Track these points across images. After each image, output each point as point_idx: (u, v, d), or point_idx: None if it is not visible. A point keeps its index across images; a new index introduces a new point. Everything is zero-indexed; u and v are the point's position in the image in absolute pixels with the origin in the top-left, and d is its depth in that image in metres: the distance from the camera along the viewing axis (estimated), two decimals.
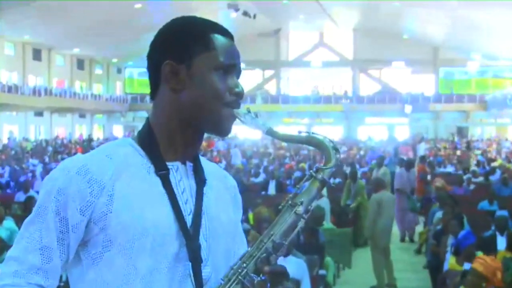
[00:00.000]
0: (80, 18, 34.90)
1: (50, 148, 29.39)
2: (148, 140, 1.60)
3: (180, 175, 1.60)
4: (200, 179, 1.63)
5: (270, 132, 1.59)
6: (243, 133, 32.95)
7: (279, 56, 53.29)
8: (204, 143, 31.05)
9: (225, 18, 41.70)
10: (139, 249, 1.49)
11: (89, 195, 1.49)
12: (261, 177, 16.77)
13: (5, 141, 35.25)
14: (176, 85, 1.57)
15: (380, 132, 45.55)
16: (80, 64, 48.79)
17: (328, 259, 8.24)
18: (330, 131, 46.35)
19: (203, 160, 1.69)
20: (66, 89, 43.73)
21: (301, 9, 42.38)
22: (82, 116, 47.45)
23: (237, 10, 37.63)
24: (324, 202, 10.14)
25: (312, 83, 52.06)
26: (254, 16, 38.74)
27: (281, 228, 1.54)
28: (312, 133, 1.58)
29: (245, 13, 38.41)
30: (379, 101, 47.70)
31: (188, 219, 1.56)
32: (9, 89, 37.53)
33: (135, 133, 1.67)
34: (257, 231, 6.54)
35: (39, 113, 42.72)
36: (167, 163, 1.58)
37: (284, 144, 25.15)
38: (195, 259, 1.53)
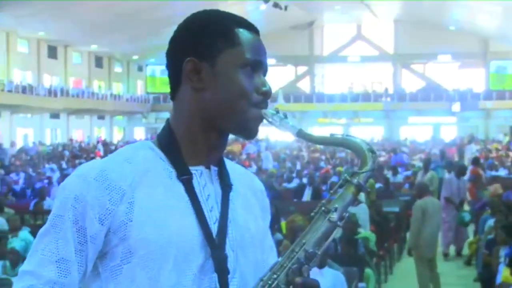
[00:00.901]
0: (98, 11, 35.24)
1: (67, 153, 29.69)
2: (169, 143, 1.60)
3: (205, 180, 1.60)
4: (225, 184, 1.63)
5: (301, 134, 1.59)
6: (275, 135, 32.94)
7: (313, 51, 53.15)
8: (235, 146, 31.15)
9: (254, 11, 41.77)
10: (161, 261, 1.49)
11: (108, 202, 1.49)
12: (295, 182, 16.75)
13: (19, 145, 35.69)
14: (198, 84, 1.58)
15: (425, 132, 45.20)
16: (99, 61, 49.23)
17: (368, 271, 8.21)
18: (370, 132, 46.12)
19: (228, 163, 1.70)
20: (83, 89, 44.14)
21: None
22: (101, 117, 47.84)
23: (267, 1, 37.59)
24: (363, 209, 10.10)
25: (349, 79, 51.81)
26: (286, 8, 38.67)
27: (314, 236, 1.54)
28: (346, 134, 1.58)
29: (276, 5, 38.36)
30: (423, 98, 47.28)
31: (214, 228, 1.56)
32: (23, 90, 38.01)
33: None
34: (290, 241, 6.54)
35: (55, 115, 43.17)
36: (190, 168, 1.59)
37: (319, 146, 25.06)
38: (222, 271, 1.54)
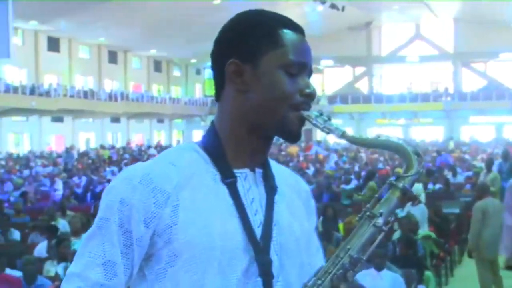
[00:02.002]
0: (156, 17, 35.72)
1: (127, 156, 30.15)
2: (213, 146, 1.60)
3: (249, 183, 1.59)
4: (270, 187, 1.61)
5: (344, 136, 1.57)
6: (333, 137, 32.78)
7: (371, 51, 52.79)
8: (292, 148, 31.13)
9: (311, 12, 41.71)
10: (206, 265, 1.49)
11: (153, 205, 1.50)
12: (353, 184, 16.65)
13: (82, 149, 36.43)
14: (241, 86, 1.57)
15: (487, 132, 44.37)
16: (157, 66, 49.90)
17: (428, 273, 8.09)
18: (430, 132, 45.49)
19: (273, 164, 1.68)
20: (143, 94, 44.77)
21: None
22: (160, 121, 48.48)
23: (324, 2, 37.49)
24: (421, 209, 9.97)
25: (407, 80, 51.24)
26: (343, 9, 38.51)
27: (359, 242, 1.52)
28: (391, 136, 1.56)
29: (333, 6, 38.23)
30: (485, 98, 46.43)
31: (258, 232, 1.55)
32: (85, 95, 38.78)
33: None
34: None
35: (115, 119, 43.93)
36: (235, 171, 1.58)
37: None
38: (266, 275, 1.53)
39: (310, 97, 1.58)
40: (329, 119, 1.57)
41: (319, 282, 1.51)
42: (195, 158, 1.59)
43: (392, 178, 1.55)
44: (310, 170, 21.30)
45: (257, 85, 1.56)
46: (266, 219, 1.57)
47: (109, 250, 1.51)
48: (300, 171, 20.72)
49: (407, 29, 52.59)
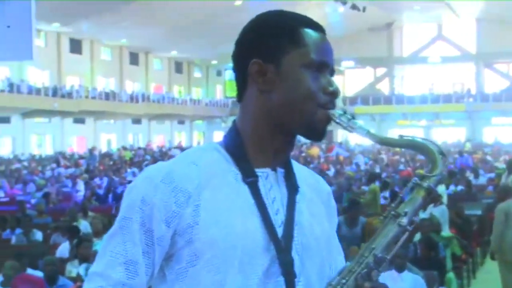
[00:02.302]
0: (176, 18, 35.86)
1: (148, 157, 30.28)
2: (235, 145, 1.60)
3: (270, 183, 1.59)
4: (292, 187, 1.61)
5: (369, 135, 1.56)
6: (356, 138, 32.74)
7: (392, 52, 52.61)
8: (314, 150, 31.08)
9: (332, 13, 41.67)
10: (227, 265, 1.49)
11: (174, 205, 1.50)
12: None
13: (103, 150, 36.65)
14: (264, 86, 1.57)
15: (510, 133, 44.02)
16: (178, 67, 50.09)
17: (449, 275, 8.04)
18: (451, 133, 45.22)
19: (294, 165, 1.68)
20: (164, 95, 44.96)
21: None
22: (181, 122, 48.65)
23: (345, 3, 37.43)
24: (442, 210, 9.90)
25: (429, 80, 50.98)
26: (364, 9, 38.41)
27: (383, 241, 1.52)
28: (415, 137, 1.55)
29: (354, 6, 38.16)
30: (508, 98, 46.08)
31: (279, 231, 1.55)
32: (106, 96, 39.02)
33: None
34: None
35: (137, 121, 44.15)
36: (256, 170, 1.58)
37: (399, 149, 24.84)
38: (288, 274, 1.52)
39: (333, 95, 1.58)
40: (353, 117, 1.57)
41: (343, 281, 1.51)
42: (217, 157, 1.59)
43: (415, 179, 1.55)
44: (331, 171, 21.27)
45: (280, 85, 1.56)
46: (287, 218, 1.57)
47: (131, 249, 1.51)
48: (320, 172, 20.72)
49: (429, 29, 52.34)
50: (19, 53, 4.14)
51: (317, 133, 1.58)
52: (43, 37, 38.07)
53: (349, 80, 54.73)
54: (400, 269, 6.46)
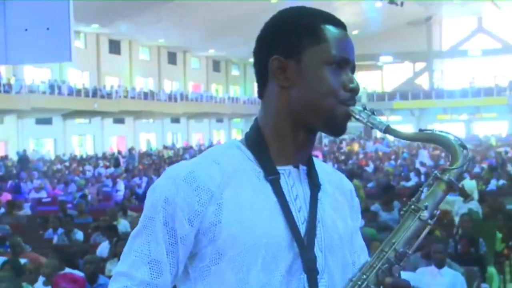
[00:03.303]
0: (214, 17, 35.96)
1: (187, 156, 30.47)
2: (256, 143, 1.60)
3: (293, 180, 1.59)
4: (314, 184, 1.61)
5: (388, 130, 1.56)
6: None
7: (431, 46, 52.07)
8: (354, 145, 30.90)
9: (369, 8, 41.41)
10: (250, 262, 1.50)
11: (197, 204, 1.51)
12: (413, 181, 16.46)
13: (143, 150, 36.97)
14: (284, 82, 1.57)
15: None
16: (216, 65, 50.24)
17: (491, 270, 7.94)
18: (493, 127, 44.58)
19: (317, 162, 1.68)
20: (202, 93, 45.14)
21: None
22: (219, 121, 48.79)
23: None
24: (474, 206, 9.80)
25: (469, 74, 50.31)
26: (402, 4, 38.04)
27: (404, 235, 1.51)
28: (435, 130, 1.54)
29: (392, 1, 37.85)
30: None
31: (302, 228, 1.55)
32: (145, 96, 39.32)
33: None
34: None
35: (175, 120, 44.39)
36: (278, 167, 1.58)
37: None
38: (311, 271, 1.53)
39: (354, 91, 1.58)
40: (373, 113, 1.57)
41: (364, 276, 1.51)
42: (238, 155, 1.60)
43: (435, 172, 1.54)
44: (370, 168, 21.14)
45: (301, 81, 1.56)
46: (310, 216, 1.57)
47: (154, 248, 1.53)
48: (359, 168, 20.60)
49: (469, 22, 51.67)
50: (58, 55, 4.20)
51: (337, 129, 1.58)
52: (83, 39, 38.54)
53: (387, 75, 54.32)
54: (439, 265, 6.41)
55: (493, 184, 15.29)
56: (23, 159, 28.01)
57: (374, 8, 41.02)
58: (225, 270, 1.51)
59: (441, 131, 1.54)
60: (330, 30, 1.58)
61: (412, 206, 1.53)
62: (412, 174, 17.56)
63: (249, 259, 1.50)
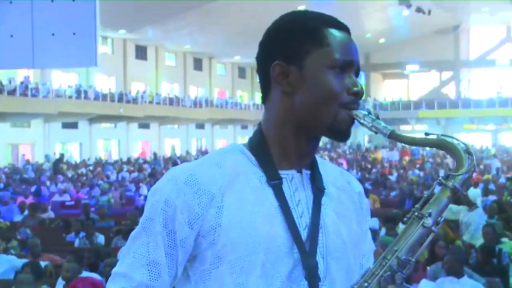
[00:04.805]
0: (239, 23, 36.07)
1: None
2: (259, 147, 1.59)
3: (296, 185, 1.58)
4: (317, 189, 1.59)
5: (393, 135, 1.53)
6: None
7: (459, 55, 51.70)
8: (378, 154, 30.70)
9: (396, 16, 41.23)
10: (249, 267, 1.48)
11: (197, 206, 1.50)
12: (437, 190, 16.32)
13: (167, 155, 37.13)
14: (287, 87, 1.56)
15: None
16: (242, 72, 50.36)
17: None
18: None
19: (323, 164, 1.66)
20: (227, 100, 45.26)
21: (485, 0, 40.84)
22: (244, 127, 48.86)
23: (409, 6, 37.06)
24: (479, 214, 9.69)
25: (497, 84, 49.85)
26: (429, 12, 37.97)
27: (407, 243, 1.49)
28: (442, 135, 1.52)
29: (419, 9, 37.77)
30: None
31: (304, 234, 1.53)
32: (170, 102, 39.50)
33: None
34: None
35: (200, 126, 44.54)
36: (281, 172, 1.56)
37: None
38: (312, 278, 1.50)
39: (357, 95, 1.55)
40: (377, 117, 1.54)
41: (366, 284, 1.49)
42: (241, 159, 1.58)
43: (440, 178, 1.53)
44: (393, 176, 21.02)
45: (304, 86, 1.54)
46: (312, 221, 1.55)
47: (154, 250, 1.52)
48: (382, 177, 20.50)
49: (498, 32, 51.24)
50: (84, 60, 4.24)
51: (341, 134, 1.56)
52: (110, 44, 38.84)
53: (413, 83, 54.01)
54: (457, 275, 6.34)
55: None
56: (58, 163, 28.28)
57: (401, 16, 40.86)
58: (225, 275, 1.49)
59: (447, 136, 1.52)
60: (333, 33, 1.56)
61: (416, 213, 1.50)
62: (435, 183, 17.41)
63: (249, 264, 1.48)
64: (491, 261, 7.71)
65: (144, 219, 1.55)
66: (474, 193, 12.18)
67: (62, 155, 31.16)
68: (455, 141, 1.51)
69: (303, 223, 1.55)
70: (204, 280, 1.52)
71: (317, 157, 1.67)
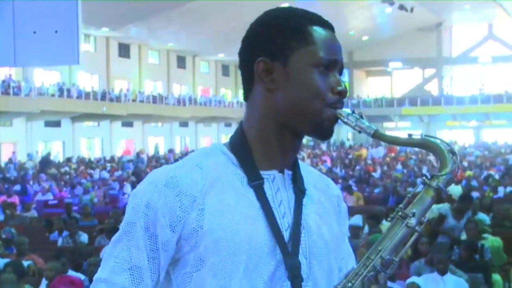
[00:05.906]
0: (223, 21, 36.04)
1: None
2: (240, 147, 1.57)
3: (277, 185, 1.56)
4: (299, 190, 1.58)
5: (376, 135, 1.52)
6: None
7: (441, 53, 51.97)
8: (363, 151, 30.79)
9: (379, 14, 41.38)
10: (232, 269, 1.47)
11: (178, 209, 1.48)
12: (421, 188, 16.39)
13: (151, 154, 37.02)
14: (270, 84, 1.53)
15: None
16: (225, 70, 50.32)
17: (496, 276, 7.87)
18: (503, 134, 44.48)
19: (303, 167, 1.64)
20: (211, 98, 45.22)
21: None
22: (227, 125, 48.84)
23: (392, 4, 37.16)
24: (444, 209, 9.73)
25: (479, 81, 50.19)
26: (412, 10, 38.11)
27: (391, 243, 1.48)
28: (425, 135, 1.51)
29: (401, 7, 37.89)
30: None
31: (286, 235, 1.52)
32: (154, 100, 39.40)
33: None
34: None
35: (184, 124, 44.46)
36: (263, 172, 1.54)
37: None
38: (295, 278, 1.49)
39: (341, 94, 1.54)
40: (361, 116, 1.53)
41: (350, 284, 1.48)
42: (222, 160, 1.56)
43: (423, 178, 1.52)
44: (377, 173, 21.08)
45: (287, 84, 1.52)
46: (294, 221, 1.54)
47: (135, 254, 1.50)
48: (365, 174, 20.55)
49: (479, 29, 51.56)
50: (66, 58, 4.22)
51: (324, 132, 1.54)
52: (93, 42, 38.64)
53: (396, 81, 54.24)
54: (442, 272, 6.37)
55: (501, 191, 15.22)
56: (45, 161, 28.11)
57: (384, 14, 41.00)
58: (206, 277, 1.47)
59: (430, 137, 1.51)
60: (318, 31, 1.54)
61: (400, 213, 1.49)
62: (419, 181, 17.49)
63: (231, 266, 1.46)
64: (474, 257, 7.76)
65: (125, 223, 1.53)
66: (456, 190, 12.21)
67: (49, 154, 30.95)
68: (439, 141, 1.50)
69: (285, 223, 1.53)
70: (185, 284, 1.50)
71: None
